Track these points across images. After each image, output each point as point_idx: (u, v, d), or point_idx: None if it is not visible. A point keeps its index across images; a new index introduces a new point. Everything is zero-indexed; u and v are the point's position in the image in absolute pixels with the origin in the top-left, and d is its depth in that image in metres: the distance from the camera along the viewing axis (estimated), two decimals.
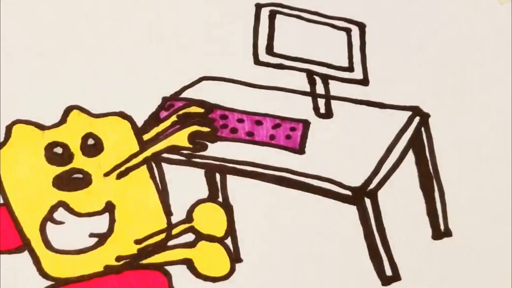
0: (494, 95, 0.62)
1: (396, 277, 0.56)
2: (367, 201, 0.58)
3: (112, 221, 0.55)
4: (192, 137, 0.59)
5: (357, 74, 0.63)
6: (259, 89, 0.62)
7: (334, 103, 0.62)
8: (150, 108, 0.60)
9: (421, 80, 0.61)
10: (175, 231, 0.55)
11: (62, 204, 0.55)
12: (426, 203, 0.58)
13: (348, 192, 0.58)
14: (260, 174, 0.58)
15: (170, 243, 0.55)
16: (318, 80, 0.63)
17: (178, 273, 0.54)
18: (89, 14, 0.63)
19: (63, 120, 0.58)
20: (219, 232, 0.55)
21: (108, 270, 0.53)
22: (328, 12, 0.66)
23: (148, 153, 0.58)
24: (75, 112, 0.59)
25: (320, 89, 0.62)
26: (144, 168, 0.57)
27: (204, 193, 0.57)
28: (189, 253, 0.54)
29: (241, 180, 0.58)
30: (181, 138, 0.59)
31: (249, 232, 0.56)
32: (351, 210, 0.58)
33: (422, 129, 0.60)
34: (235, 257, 0.55)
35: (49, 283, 0.52)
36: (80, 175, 0.56)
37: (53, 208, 0.55)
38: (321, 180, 0.58)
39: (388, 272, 0.55)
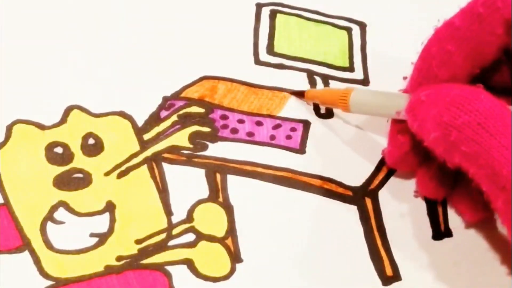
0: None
1: (396, 277, 0.56)
2: (368, 201, 0.58)
3: (112, 221, 0.55)
4: (192, 137, 0.59)
5: (358, 74, 0.63)
6: (259, 89, 0.62)
7: None
8: (150, 108, 0.60)
9: None
10: (175, 231, 0.55)
11: (62, 204, 0.55)
12: (427, 203, 0.58)
13: (349, 192, 0.58)
14: (260, 174, 0.58)
15: (171, 243, 0.55)
16: (318, 80, 0.63)
17: (179, 273, 0.54)
18: (89, 13, 0.63)
19: (63, 120, 0.58)
20: (220, 232, 0.55)
21: (109, 270, 0.53)
22: (328, 11, 0.66)
23: (148, 152, 0.58)
24: (75, 111, 0.59)
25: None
26: (144, 167, 0.57)
27: (205, 193, 0.57)
28: (190, 253, 0.54)
29: (241, 180, 0.58)
30: (181, 138, 0.58)
31: (249, 232, 0.56)
32: (352, 210, 0.58)
33: None
34: (235, 257, 0.55)
35: (49, 283, 0.52)
36: (81, 175, 0.56)
37: (54, 208, 0.55)
38: (321, 180, 0.58)
39: (389, 272, 0.55)
